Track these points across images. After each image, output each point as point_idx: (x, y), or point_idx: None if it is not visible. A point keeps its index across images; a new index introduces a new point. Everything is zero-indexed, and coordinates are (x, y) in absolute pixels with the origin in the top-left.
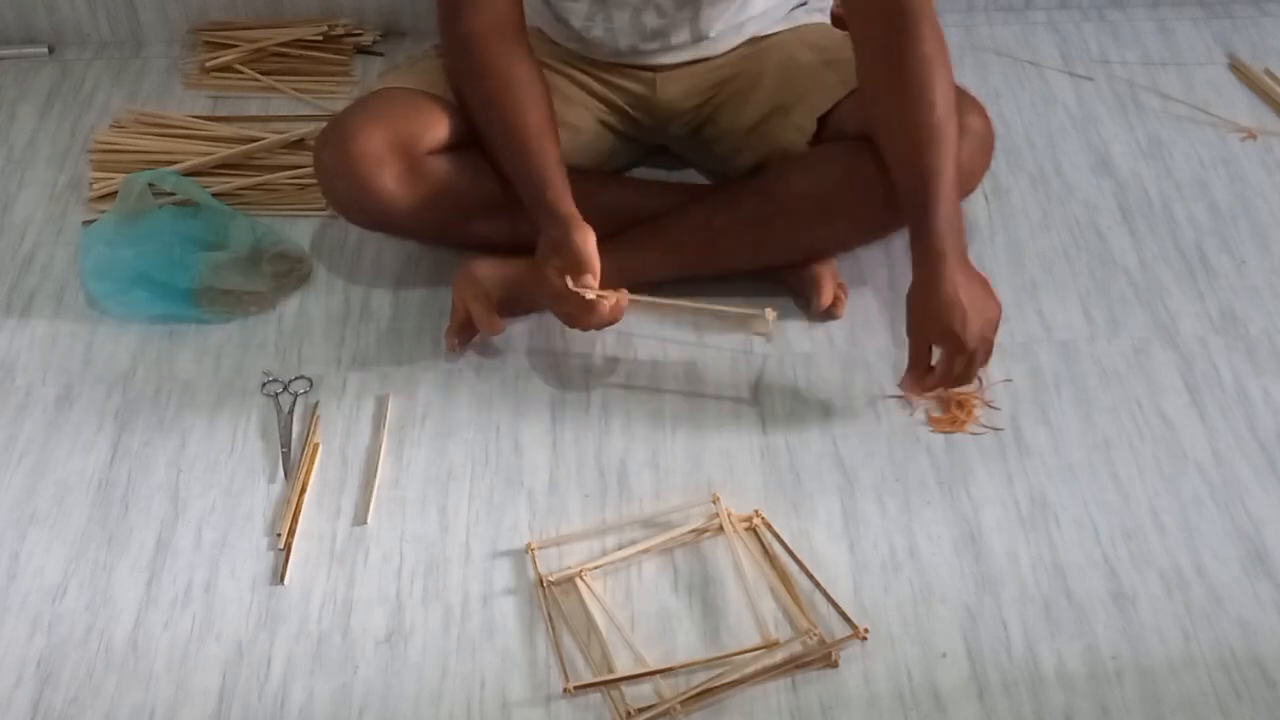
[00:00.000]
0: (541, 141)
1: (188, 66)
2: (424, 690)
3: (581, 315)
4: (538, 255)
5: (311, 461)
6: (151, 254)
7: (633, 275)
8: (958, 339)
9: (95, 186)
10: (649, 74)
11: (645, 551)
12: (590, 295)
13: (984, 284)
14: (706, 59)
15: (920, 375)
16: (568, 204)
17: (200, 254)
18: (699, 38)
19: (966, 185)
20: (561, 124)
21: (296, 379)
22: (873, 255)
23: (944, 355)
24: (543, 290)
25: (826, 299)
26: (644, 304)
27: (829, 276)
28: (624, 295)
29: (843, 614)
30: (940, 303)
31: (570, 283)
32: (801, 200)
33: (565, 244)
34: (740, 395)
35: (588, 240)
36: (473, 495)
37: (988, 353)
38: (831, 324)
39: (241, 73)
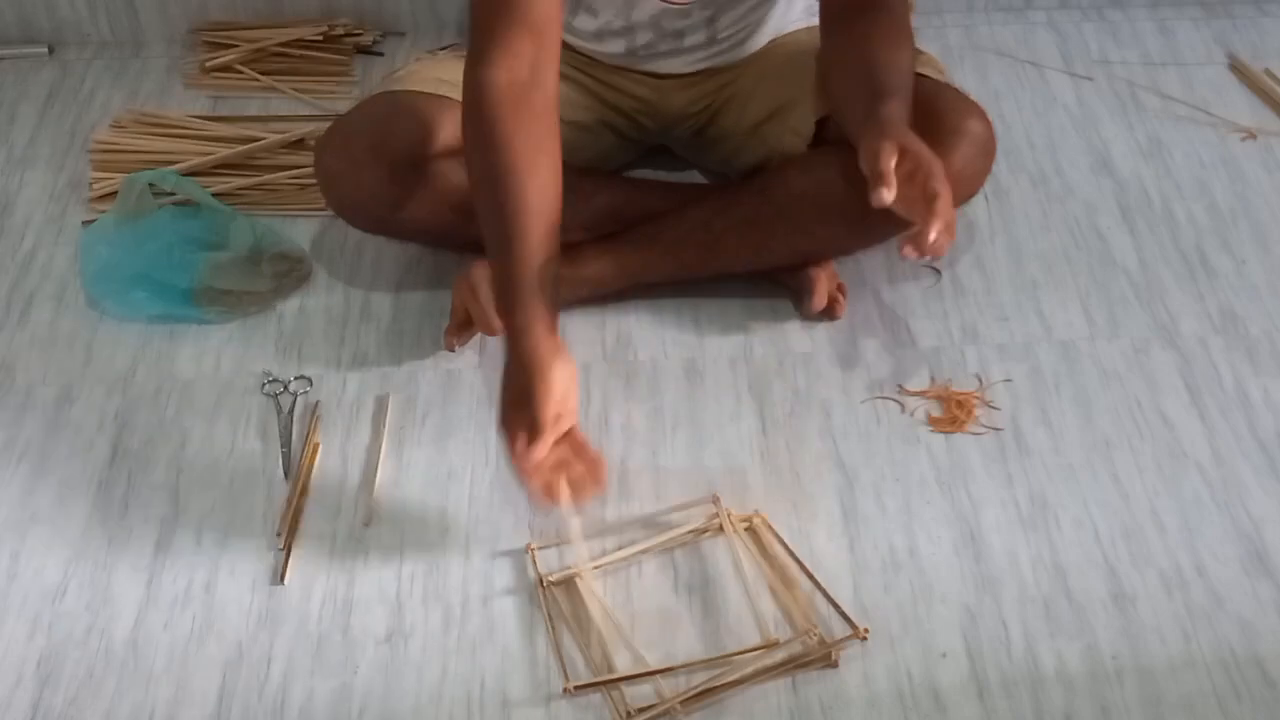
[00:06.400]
0: (531, 245)
1: (188, 66)
2: (424, 690)
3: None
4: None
5: (311, 461)
6: (151, 254)
7: (632, 275)
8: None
9: (95, 186)
10: (656, 80)
11: (645, 551)
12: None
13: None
14: (715, 69)
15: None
16: (540, 330)
17: (200, 254)
18: (713, 40)
19: (967, 189)
20: (563, 121)
21: (296, 379)
22: (873, 256)
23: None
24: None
25: (820, 302)
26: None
27: (824, 279)
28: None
29: (843, 614)
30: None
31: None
32: (801, 202)
33: (528, 387)
34: (740, 395)
35: (551, 385)
36: (473, 495)
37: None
38: (831, 324)
39: (241, 73)
